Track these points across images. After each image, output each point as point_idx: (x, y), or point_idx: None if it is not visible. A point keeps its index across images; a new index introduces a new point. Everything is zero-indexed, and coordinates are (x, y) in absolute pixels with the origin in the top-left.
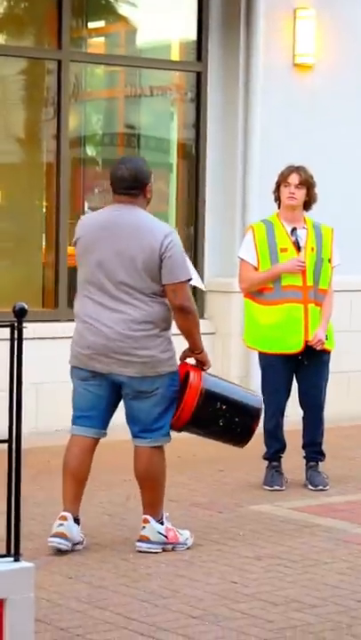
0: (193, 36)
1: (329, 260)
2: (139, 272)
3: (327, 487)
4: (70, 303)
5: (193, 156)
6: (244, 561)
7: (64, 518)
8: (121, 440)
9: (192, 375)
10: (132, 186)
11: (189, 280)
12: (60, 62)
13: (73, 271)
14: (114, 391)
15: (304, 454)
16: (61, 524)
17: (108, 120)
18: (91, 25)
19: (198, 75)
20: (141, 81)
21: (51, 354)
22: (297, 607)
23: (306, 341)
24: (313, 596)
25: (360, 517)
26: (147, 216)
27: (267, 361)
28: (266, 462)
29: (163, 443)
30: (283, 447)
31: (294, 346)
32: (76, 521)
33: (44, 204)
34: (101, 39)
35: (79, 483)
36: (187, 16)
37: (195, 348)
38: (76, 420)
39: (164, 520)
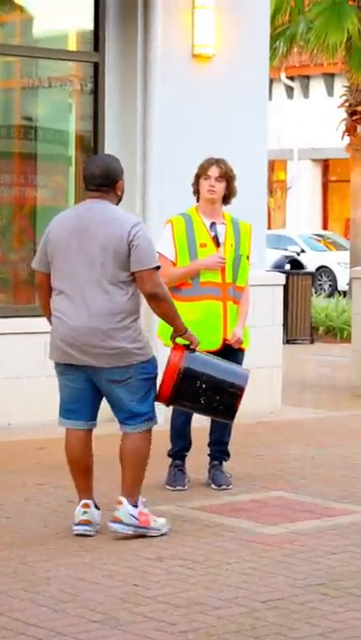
0: (90, 25)
1: (247, 257)
2: (110, 262)
3: (230, 486)
4: None
5: (91, 149)
6: (145, 563)
7: (87, 506)
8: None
9: (172, 354)
10: (102, 183)
11: (158, 267)
12: None
13: None
14: (91, 382)
15: (209, 452)
16: (85, 512)
17: (4, 112)
18: None
19: (96, 65)
20: (38, 71)
21: None
22: (200, 609)
23: (224, 339)
24: (216, 597)
25: (264, 517)
26: (115, 209)
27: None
28: (169, 460)
29: (148, 427)
30: (188, 445)
31: (213, 344)
32: (96, 507)
33: None
34: None
35: (86, 473)
36: (84, 5)
37: (177, 330)
38: (64, 412)
39: (140, 504)
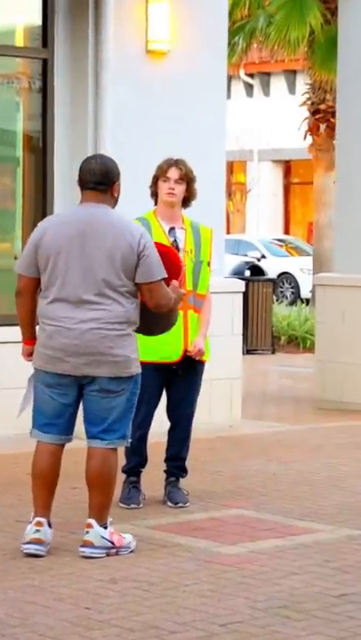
0: (38, 20)
1: (208, 264)
2: (116, 270)
3: (187, 504)
4: None
5: (40, 150)
6: (97, 585)
7: (40, 524)
8: None
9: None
10: (100, 181)
11: (164, 279)
12: None
13: None
14: (79, 395)
15: (165, 468)
16: (38, 530)
17: None
18: None
19: (44, 62)
20: None
21: None
22: (155, 633)
23: (185, 350)
24: (173, 621)
25: (223, 536)
26: (118, 215)
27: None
28: (123, 476)
29: (120, 445)
30: (144, 461)
31: (172, 355)
32: (49, 525)
33: None
34: None
35: (50, 488)
36: None
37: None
38: (42, 427)
39: (108, 525)
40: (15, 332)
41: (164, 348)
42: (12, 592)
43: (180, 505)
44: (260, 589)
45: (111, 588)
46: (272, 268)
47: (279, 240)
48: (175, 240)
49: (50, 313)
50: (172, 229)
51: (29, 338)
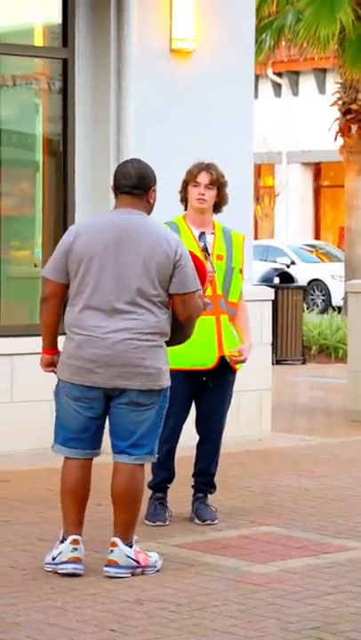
0: (58, 18)
1: (240, 271)
2: (152, 279)
3: (216, 521)
4: None
5: (60, 153)
6: (123, 606)
7: (77, 542)
8: None
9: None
10: (136, 185)
11: (198, 291)
12: None
13: None
14: (106, 409)
15: (193, 484)
16: (75, 549)
17: None
18: None
19: (65, 62)
20: (1, 69)
21: None
22: None
23: (220, 356)
24: None
25: (253, 554)
26: (154, 221)
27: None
28: (149, 492)
29: (148, 461)
30: (171, 477)
31: (207, 361)
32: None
33: None
34: None
35: (81, 504)
36: None
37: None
38: (67, 442)
39: (134, 543)
40: (33, 344)
41: (198, 354)
42: (34, 613)
43: (208, 522)
44: (291, 610)
45: (137, 610)
46: (302, 274)
47: (309, 246)
48: (205, 245)
49: (79, 322)
50: (202, 234)
51: (51, 347)
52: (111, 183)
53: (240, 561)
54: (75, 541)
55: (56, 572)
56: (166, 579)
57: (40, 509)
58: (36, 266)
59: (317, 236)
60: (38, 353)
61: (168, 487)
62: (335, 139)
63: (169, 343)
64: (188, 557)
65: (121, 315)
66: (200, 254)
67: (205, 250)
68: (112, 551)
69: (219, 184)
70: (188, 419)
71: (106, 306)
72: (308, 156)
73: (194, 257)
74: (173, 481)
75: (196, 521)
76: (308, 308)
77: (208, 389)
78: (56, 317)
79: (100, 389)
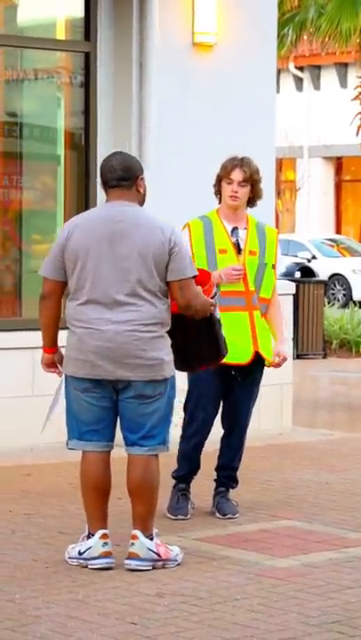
0: (80, 12)
1: (273, 266)
2: (148, 269)
3: (237, 515)
4: None
5: (82, 147)
6: (144, 599)
7: (106, 537)
8: None
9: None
10: (122, 176)
11: (195, 276)
12: None
13: None
14: (115, 399)
15: (215, 478)
16: (105, 544)
17: None
18: None
19: (87, 56)
20: (23, 63)
21: None
22: None
23: (255, 352)
24: (222, 637)
25: (274, 548)
26: (147, 212)
27: (199, 374)
28: (170, 483)
29: (160, 451)
30: (195, 469)
31: (242, 357)
32: None
33: None
34: None
35: (104, 497)
36: None
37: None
38: (84, 435)
39: (154, 536)
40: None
41: (234, 349)
42: (55, 607)
43: (230, 516)
44: (312, 604)
45: (158, 603)
46: (323, 269)
47: (330, 240)
48: (237, 241)
49: (80, 315)
50: (234, 229)
51: (51, 345)
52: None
53: (261, 555)
54: (104, 535)
55: (86, 567)
56: (187, 572)
57: (61, 503)
58: None
59: (338, 231)
60: (59, 346)
61: (192, 479)
62: (357, 133)
63: (192, 366)
64: (208, 551)
65: (121, 306)
66: (232, 249)
67: (237, 245)
68: (133, 544)
69: (252, 180)
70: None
71: (106, 298)
72: (329, 151)
73: (199, 269)
74: (197, 474)
75: (217, 515)
76: (328, 303)
77: (237, 384)
78: (55, 316)
79: (105, 382)
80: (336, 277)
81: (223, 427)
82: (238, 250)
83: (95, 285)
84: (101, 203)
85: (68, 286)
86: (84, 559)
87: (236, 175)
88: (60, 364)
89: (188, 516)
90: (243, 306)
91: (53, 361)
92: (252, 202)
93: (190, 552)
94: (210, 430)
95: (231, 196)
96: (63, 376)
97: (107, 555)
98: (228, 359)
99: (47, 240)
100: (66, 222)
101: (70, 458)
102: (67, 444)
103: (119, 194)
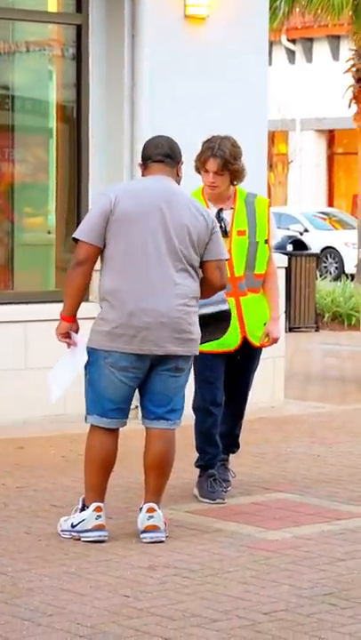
0: None
1: (266, 242)
2: (193, 245)
3: (229, 488)
4: None
5: (74, 120)
6: (136, 572)
7: (100, 509)
8: None
9: None
10: (168, 153)
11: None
12: None
13: None
14: (146, 375)
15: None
16: (99, 516)
17: None
18: None
19: (79, 28)
20: (14, 35)
21: None
22: (196, 622)
23: (243, 337)
24: (214, 609)
25: (266, 521)
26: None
27: (201, 359)
28: (197, 471)
29: (179, 425)
30: (220, 452)
31: (230, 343)
32: None
33: None
34: None
35: (109, 473)
36: None
37: None
38: (109, 412)
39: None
40: (47, 311)
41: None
42: (48, 579)
43: (226, 486)
44: (304, 576)
45: (150, 576)
46: (315, 242)
47: (323, 213)
48: (221, 225)
49: (131, 287)
50: (220, 211)
51: (73, 314)
52: (124, 150)
53: (253, 527)
54: (98, 508)
55: (78, 540)
56: (179, 545)
57: (54, 476)
58: (49, 233)
59: (331, 204)
60: (52, 320)
61: (217, 463)
62: (349, 105)
63: (210, 337)
64: (201, 524)
65: (173, 280)
66: None
67: (222, 229)
68: (152, 517)
69: (229, 168)
70: None
71: (158, 271)
72: (321, 124)
73: None
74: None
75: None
76: (321, 276)
77: (242, 360)
78: (86, 284)
79: (148, 357)
80: (328, 250)
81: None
82: (225, 234)
83: (147, 255)
84: (98, 176)
85: (110, 254)
86: (77, 532)
87: (211, 165)
88: (75, 333)
89: (225, 501)
90: (228, 292)
91: (69, 330)
92: (233, 182)
93: (183, 525)
94: (222, 406)
95: (210, 186)
96: (83, 348)
97: (100, 527)
98: (217, 347)
99: (39, 213)
100: (104, 189)
101: (63, 430)
102: (85, 418)
103: (162, 169)
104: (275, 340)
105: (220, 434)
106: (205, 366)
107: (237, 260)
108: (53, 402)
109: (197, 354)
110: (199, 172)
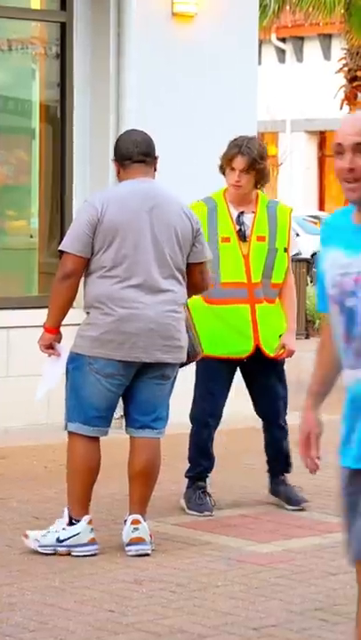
0: None
1: (285, 250)
2: (180, 249)
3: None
4: None
5: (58, 120)
6: (121, 586)
7: (92, 522)
8: None
9: None
10: (147, 152)
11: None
12: None
13: None
14: (130, 383)
15: (267, 469)
16: (92, 530)
17: None
18: None
19: (63, 26)
20: None
21: None
22: (184, 638)
23: (256, 346)
24: (202, 624)
25: (255, 534)
26: (170, 191)
27: (204, 369)
28: (186, 481)
29: (164, 434)
30: (213, 465)
31: (242, 351)
32: None
33: None
34: None
35: (93, 484)
36: None
37: None
38: (92, 420)
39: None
40: (29, 317)
41: (233, 343)
42: (30, 594)
43: (296, 507)
44: (295, 591)
45: (136, 590)
46: (306, 246)
47: (313, 217)
48: (241, 229)
49: (119, 295)
50: (240, 214)
51: (58, 325)
52: (110, 151)
53: (243, 540)
54: (91, 521)
55: (66, 554)
56: (166, 558)
57: (36, 487)
58: (31, 237)
59: (322, 207)
60: (34, 326)
61: (208, 476)
62: (341, 106)
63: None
64: (188, 537)
65: (161, 287)
66: (235, 238)
67: (241, 233)
68: (136, 529)
69: (255, 167)
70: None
71: (146, 278)
72: (312, 125)
73: None
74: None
75: (287, 507)
76: (311, 282)
77: (260, 373)
78: (74, 295)
79: (135, 365)
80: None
81: (261, 418)
82: (243, 238)
83: (135, 263)
84: (83, 178)
85: (98, 263)
86: (67, 546)
87: (238, 163)
88: (58, 344)
89: (213, 514)
90: (244, 298)
91: (52, 341)
92: (258, 184)
93: (169, 537)
94: (220, 421)
95: (234, 185)
96: (65, 355)
97: (94, 541)
98: (229, 352)
99: (21, 216)
100: (89, 197)
101: (46, 440)
102: (65, 425)
103: (143, 170)
104: (291, 353)
105: (268, 459)
106: (209, 377)
107: (255, 265)
108: (38, 398)
109: (183, 361)
110: (223, 173)
